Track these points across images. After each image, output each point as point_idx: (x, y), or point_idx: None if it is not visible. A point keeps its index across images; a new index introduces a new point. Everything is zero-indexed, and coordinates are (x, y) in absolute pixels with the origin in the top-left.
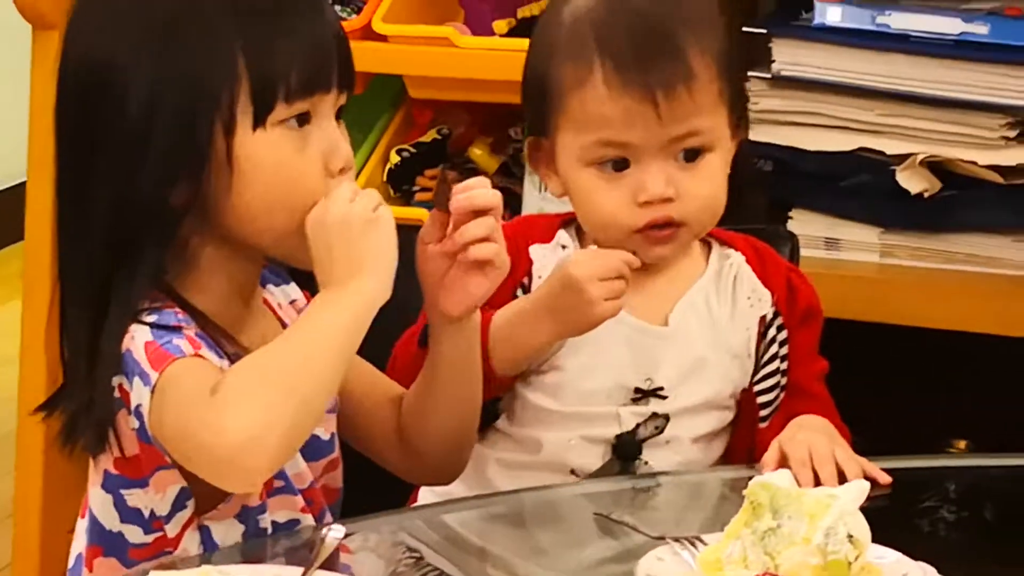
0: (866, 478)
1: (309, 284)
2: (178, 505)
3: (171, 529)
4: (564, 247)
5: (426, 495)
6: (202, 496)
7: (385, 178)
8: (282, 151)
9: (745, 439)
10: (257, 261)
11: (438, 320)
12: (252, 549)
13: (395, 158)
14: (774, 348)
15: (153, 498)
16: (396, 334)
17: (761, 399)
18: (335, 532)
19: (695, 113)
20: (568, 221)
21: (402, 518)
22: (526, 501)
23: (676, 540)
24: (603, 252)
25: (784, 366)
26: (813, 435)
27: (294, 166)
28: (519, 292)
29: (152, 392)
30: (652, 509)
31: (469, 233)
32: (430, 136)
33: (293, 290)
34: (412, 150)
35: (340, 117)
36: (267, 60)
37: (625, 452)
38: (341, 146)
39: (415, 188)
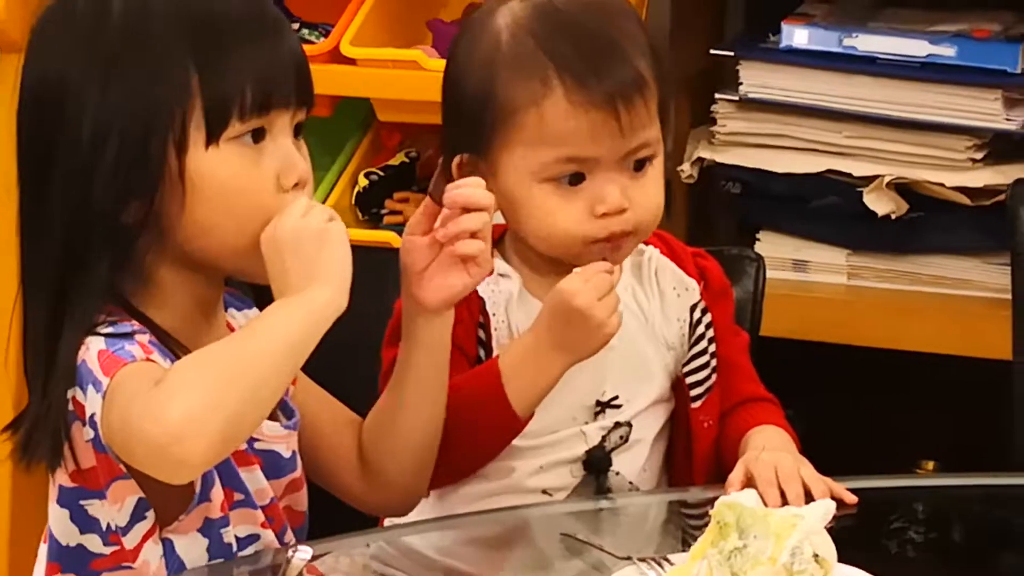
0: (833, 498)
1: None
2: (136, 516)
3: (129, 541)
4: (504, 276)
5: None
6: (161, 507)
7: (353, 201)
8: (235, 167)
9: (682, 423)
10: (216, 278)
11: (414, 312)
12: (218, 571)
13: (363, 181)
14: (700, 330)
15: (111, 510)
16: (355, 351)
17: (690, 380)
18: (302, 554)
19: (649, 122)
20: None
21: (370, 539)
22: (494, 523)
23: (643, 560)
24: (587, 272)
25: (712, 347)
26: (778, 455)
27: (247, 182)
28: (480, 332)
29: (103, 397)
30: (618, 529)
31: (462, 225)
32: (398, 159)
33: (255, 314)
34: (380, 173)
35: (299, 134)
36: (221, 78)
37: (596, 467)
38: (296, 162)
39: (384, 211)
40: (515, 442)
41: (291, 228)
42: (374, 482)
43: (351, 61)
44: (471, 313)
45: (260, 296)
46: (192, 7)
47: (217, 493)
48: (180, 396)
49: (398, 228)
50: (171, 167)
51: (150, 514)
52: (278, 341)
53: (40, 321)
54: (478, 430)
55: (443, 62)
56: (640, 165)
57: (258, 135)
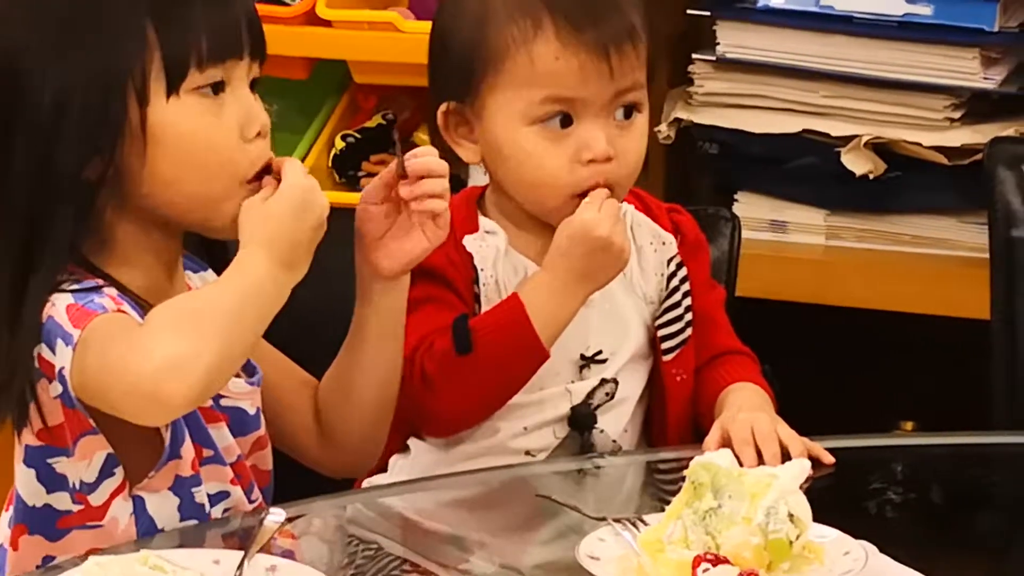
0: (810, 458)
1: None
2: (105, 472)
3: (96, 498)
4: (491, 232)
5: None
6: (131, 463)
7: (330, 163)
8: (197, 118)
9: (654, 376)
10: (175, 234)
11: (370, 278)
12: (190, 534)
13: (340, 144)
14: (674, 283)
15: (79, 466)
16: (330, 311)
17: (661, 332)
18: (274, 516)
19: (639, 68)
20: (476, 199)
21: (346, 500)
22: (473, 484)
23: (617, 521)
24: (596, 200)
25: (687, 301)
26: (755, 414)
27: (210, 133)
28: (475, 287)
29: (75, 349)
30: (598, 490)
31: (427, 187)
32: (375, 121)
33: (210, 275)
34: (357, 135)
35: (255, 88)
36: (177, 29)
37: (581, 424)
38: (257, 112)
39: (361, 173)
40: None
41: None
42: (329, 443)
43: (327, 23)
44: (465, 268)
45: (213, 257)
46: None
47: (188, 450)
48: (165, 338)
49: None
50: (132, 121)
51: (119, 471)
52: (249, 292)
53: (3, 283)
54: (509, 365)
55: (420, 24)
56: (628, 113)
57: (217, 88)
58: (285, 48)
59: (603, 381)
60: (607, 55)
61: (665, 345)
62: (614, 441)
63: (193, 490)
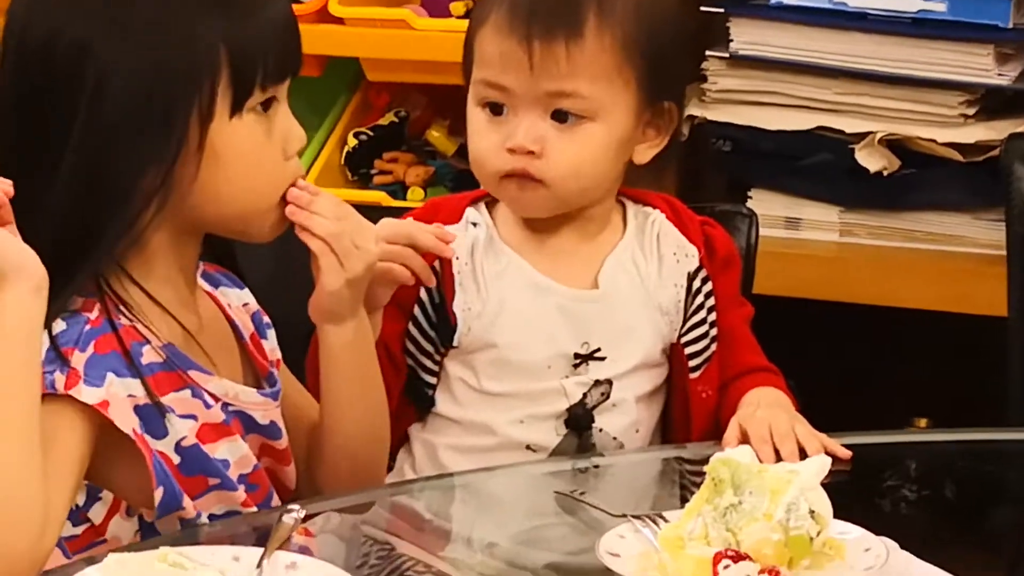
0: (827, 454)
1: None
2: (91, 498)
3: (95, 516)
4: (475, 224)
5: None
6: (122, 495)
7: (343, 161)
8: (255, 137)
9: (680, 392)
10: (197, 243)
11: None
12: (209, 531)
13: (352, 141)
14: (700, 299)
15: None
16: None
17: (689, 350)
18: (293, 513)
19: (571, 75)
20: (477, 199)
21: (360, 499)
22: (485, 481)
23: (637, 517)
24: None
25: (712, 317)
26: (772, 411)
27: (261, 151)
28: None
29: None
30: (608, 488)
31: (297, 219)
32: (387, 119)
33: (247, 295)
34: (369, 133)
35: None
36: (247, 47)
37: (578, 423)
38: (297, 130)
39: (373, 171)
40: (490, 388)
41: None
42: (310, 481)
43: (339, 20)
44: (427, 256)
45: (217, 255)
46: None
47: (188, 504)
48: None
49: (387, 188)
50: (191, 136)
51: (105, 494)
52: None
53: None
54: None
55: (432, 21)
56: (562, 117)
57: (267, 104)
58: None
59: (597, 382)
60: (529, 49)
61: (692, 363)
62: (615, 439)
63: (199, 521)
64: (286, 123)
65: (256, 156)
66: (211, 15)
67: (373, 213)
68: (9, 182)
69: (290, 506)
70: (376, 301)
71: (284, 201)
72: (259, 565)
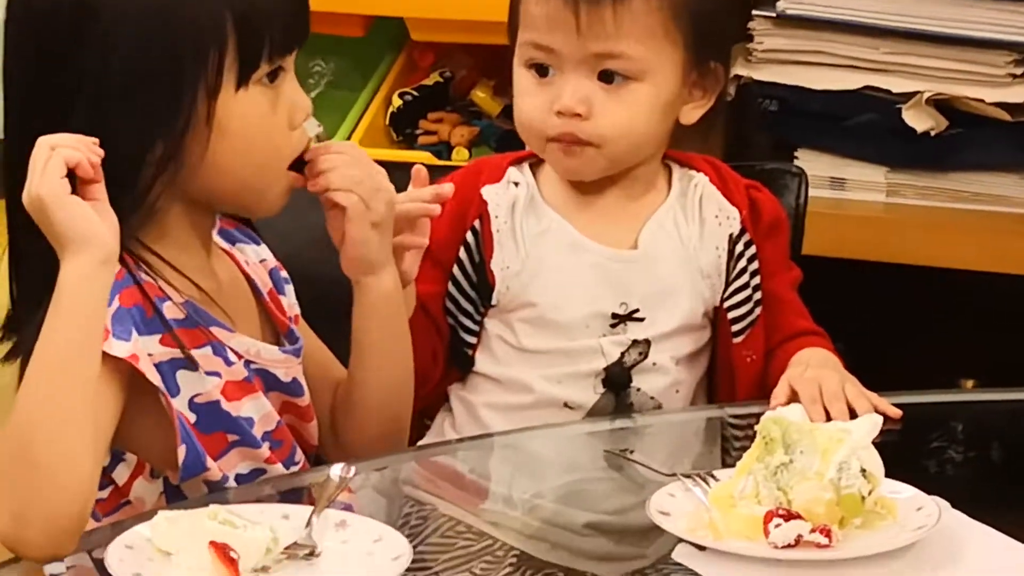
0: (877, 413)
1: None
2: (115, 459)
3: (118, 477)
4: (516, 183)
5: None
6: (145, 456)
7: (387, 122)
8: (261, 109)
9: (724, 356)
10: (212, 211)
11: (352, 283)
12: (246, 491)
13: (397, 101)
14: (742, 263)
15: None
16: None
17: (732, 314)
18: (340, 471)
19: (618, 36)
20: (520, 159)
21: (400, 458)
22: (529, 441)
23: (687, 476)
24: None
25: (756, 281)
26: (822, 372)
27: (268, 123)
28: (469, 235)
29: None
30: (652, 447)
31: (322, 182)
32: (432, 79)
33: (264, 251)
34: (414, 93)
35: None
36: (253, 19)
37: (616, 382)
38: (302, 100)
39: (418, 131)
40: (528, 346)
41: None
42: (337, 443)
43: None
44: (464, 217)
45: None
46: None
47: (212, 465)
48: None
49: (432, 148)
50: (199, 110)
51: (129, 456)
52: (43, 379)
53: (36, 268)
54: None
55: None
56: (609, 78)
57: (273, 75)
58: (342, 5)
59: (635, 342)
60: (576, 9)
61: (735, 328)
62: (652, 399)
63: (228, 478)
64: (292, 93)
65: (263, 127)
66: None
67: None
68: (101, 151)
69: (337, 464)
70: (406, 276)
71: (290, 170)
72: (308, 523)
